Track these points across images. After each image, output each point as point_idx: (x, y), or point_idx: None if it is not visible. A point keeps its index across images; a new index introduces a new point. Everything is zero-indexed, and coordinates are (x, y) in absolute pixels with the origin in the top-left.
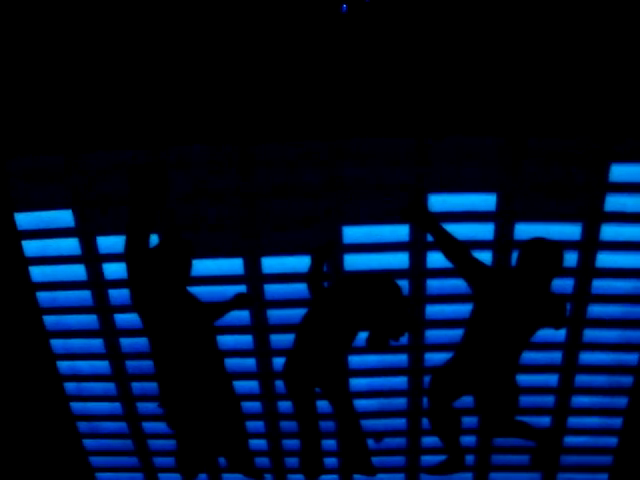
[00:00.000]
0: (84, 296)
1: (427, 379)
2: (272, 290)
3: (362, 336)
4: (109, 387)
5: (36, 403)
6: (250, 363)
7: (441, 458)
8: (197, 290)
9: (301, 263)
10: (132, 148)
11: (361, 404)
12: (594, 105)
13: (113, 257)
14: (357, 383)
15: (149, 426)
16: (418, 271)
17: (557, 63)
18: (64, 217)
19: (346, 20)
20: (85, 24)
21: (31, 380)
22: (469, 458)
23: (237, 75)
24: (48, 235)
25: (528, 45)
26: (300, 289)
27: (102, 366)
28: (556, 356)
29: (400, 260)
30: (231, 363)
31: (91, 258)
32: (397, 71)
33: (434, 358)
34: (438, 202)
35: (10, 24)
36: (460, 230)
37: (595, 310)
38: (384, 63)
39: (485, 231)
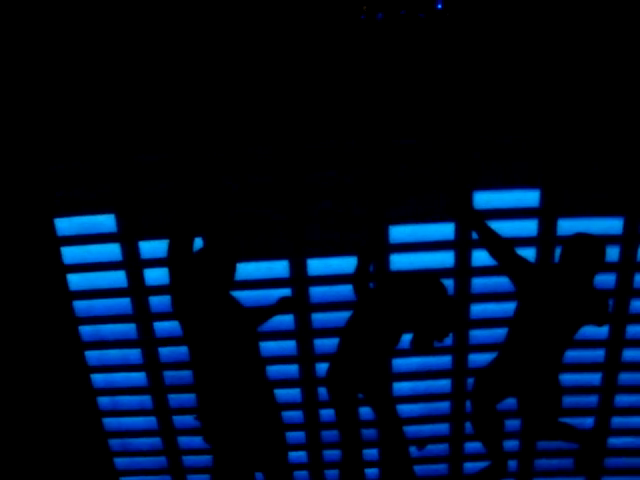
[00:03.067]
0: (123, 304)
1: (471, 381)
2: (317, 293)
3: (406, 338)
4: (144, 400)
5: (68, 417)
6: (292, 370)
7: (484, 464)
8: (241, 295)
9: (347, 264)
10: (177, 151)
11: (404, 409)
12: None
13: (155, 262)
14: (400, 387)
15: (185, 441)
16: (463, 269)
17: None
18: (106, 222)
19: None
20: (135, 35)
21: (64, 393)
22: (512, 464)
23: (283, 73)
24: (88, 241)
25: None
26: (345, 291)
27: (138, 378)
28: (599, 354)
29: (445, 259)
30: (273, 370)
31: (132, 264)
32: (443, 76)
33: (478, 359)
34: (482, 199)
35: (61, 37)
36: (504, 227)
37: (638, 305)
38: (431, 67)
39: (529, 228)
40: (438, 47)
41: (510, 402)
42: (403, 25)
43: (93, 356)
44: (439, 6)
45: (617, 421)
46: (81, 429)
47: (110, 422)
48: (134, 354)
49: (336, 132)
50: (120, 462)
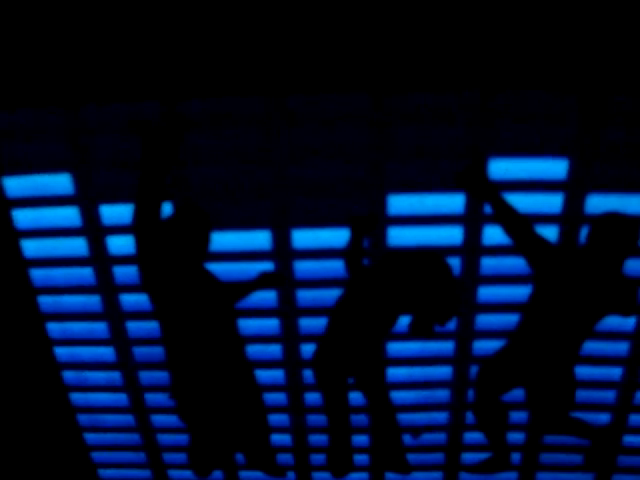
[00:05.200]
0: (85, 274)
1: (474, 370)
2: (303, 268)
3: (403, 321)
4: (114, 376)
5: (33, 394)
6: (275, 350)
7: (484, 456)
8: (217, 268)
9: (338, 237)
10: (144, 100)
11: (399, 396)
12: None
13: (119, 229)
14: (395, 373)
15: (158, 419)
16: (472, 248)
17: None
18: (61, 182)
19: None
20: None
21: (26, 369)
22: (515, 456)
23: (266, 13)
24: (43, 203)
25: None
26: (335, 267)
27: (106, 353)
28: (621, 347)
29: (452, 235)
30: (254, 350)
31: (93, 230)
32: (453, 13)
33: (484, 347)
34: (499, 168)
35: None
36: (523, 201)
37: None
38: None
39: (552, 203)
40: None
41: (517, 393)
42: None
43: (55, 329)
44: None
45: (635, 419)
46: (47, 405)
47: (77, 397)
48: (99, 328)
49: (328, 83)
50: (91, 438)
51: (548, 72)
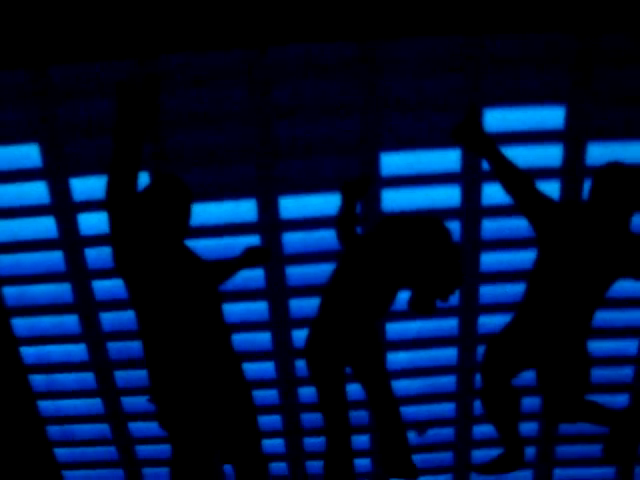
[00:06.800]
0: (54, 258)
1: (481, 350)
2: (292, 240)
3: (402, 297)
4: (86, 378)
5: None
6: (264, 339)
7: (496, 452)
8: (197, 244)
9: (328, 203)
10: (115, 58)
11: (401, 385)
12: None
13: (91, 205)
14: (396, 358)
15: (136, 427)
16: (471, 209)
17: None
18: (28, 154)
19: None
20: None
21: None
22: (530, 451)
23: None
24: (7, 178)
25: None
26: (327, 237)
27: (76, 350)
28: (637, 316)
29: (449, 195)
30: (240, 339)
31: (63, 206)
32: None
33: (490, 322)
34: (495, 119)
35: None
36: (522, 154)
37: None
38: None
39: (552, 155)
40: None
41: (528, 376)
42: None
43: (20, 325)
44: None
45: None
46: (12, 413)
47: (46, 405)
48: (70, 322)
49: (311, 31)
50: (61, 453)
51: (540, 12)
